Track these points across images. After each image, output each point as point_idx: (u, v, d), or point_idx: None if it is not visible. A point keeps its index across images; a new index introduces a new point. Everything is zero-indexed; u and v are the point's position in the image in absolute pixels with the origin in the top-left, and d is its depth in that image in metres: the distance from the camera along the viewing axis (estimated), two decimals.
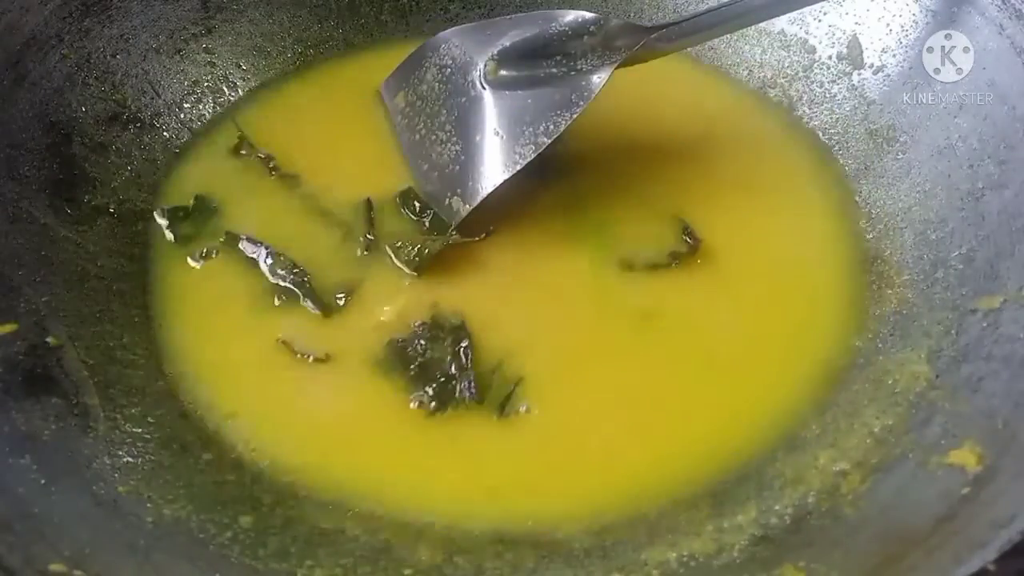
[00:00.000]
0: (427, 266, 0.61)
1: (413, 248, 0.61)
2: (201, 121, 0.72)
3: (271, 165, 0.68)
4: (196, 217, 0.65)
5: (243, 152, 0.69)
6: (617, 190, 0.66)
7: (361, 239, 0.63)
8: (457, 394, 0.55)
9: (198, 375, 0.57)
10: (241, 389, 0.57)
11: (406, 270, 0.61)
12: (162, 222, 0.65)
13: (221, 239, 0.64)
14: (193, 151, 0.70)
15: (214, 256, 0.63)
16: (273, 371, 0.57)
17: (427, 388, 0.56)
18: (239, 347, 0.59)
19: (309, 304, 0.60)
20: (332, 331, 0.59)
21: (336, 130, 0.72)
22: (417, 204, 0.65)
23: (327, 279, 0.61)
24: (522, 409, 0.55)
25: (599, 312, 0.59)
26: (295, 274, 0.61)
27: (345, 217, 0.65)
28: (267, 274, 0.61)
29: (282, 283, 0.61)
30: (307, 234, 0.64)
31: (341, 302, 0.60)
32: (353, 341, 0.58)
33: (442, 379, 0.56)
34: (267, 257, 0.62)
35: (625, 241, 0.63)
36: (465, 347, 0.57)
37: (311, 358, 0.57)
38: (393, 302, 0.60)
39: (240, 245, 0.63)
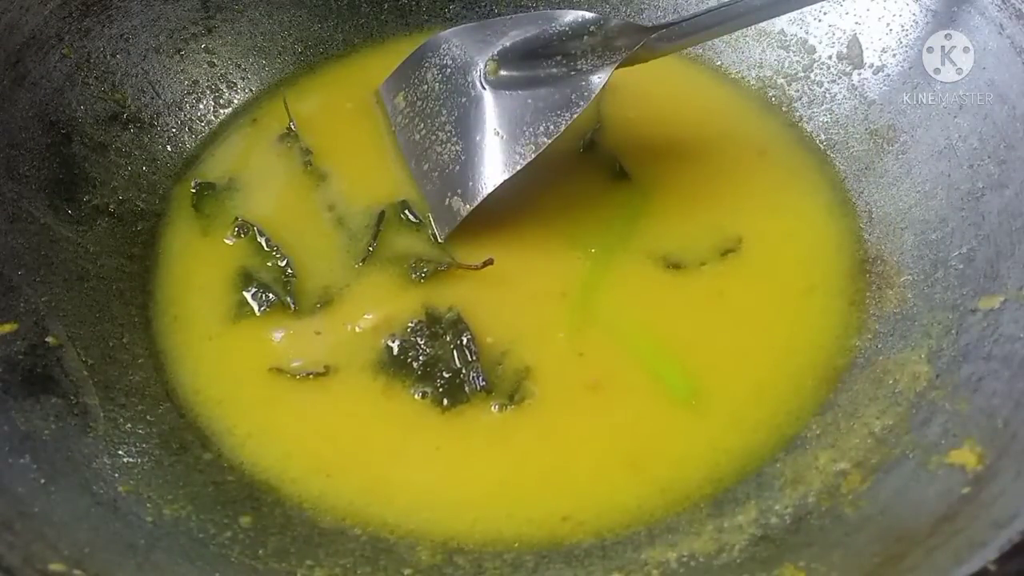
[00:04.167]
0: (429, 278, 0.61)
1: (423, 268, 0.61)
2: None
3: (307, 159, 0.69)
4: (221, 195, 0.67)
5: (287, 140, 0.71)
6: (613, 189, 0.66)
7: (366, 248, 0.63)
8: (467, 387, 0.55)
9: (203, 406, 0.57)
10: (243, 413, 0.57)
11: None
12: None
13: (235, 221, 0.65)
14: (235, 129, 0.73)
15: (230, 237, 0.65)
16: (274, 391, 0.57)
17: (435, 384, 0.56)
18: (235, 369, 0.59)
19: (289, 300, 0.60)
20: (327, 341, 0.59)
21: (335, 130, 0.72)
22: (411, 216, 0.65)
23: (315, 282, 0.62)
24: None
25: (592, 308, 0.59)
26: (285, 275, 0.62)
27: (353, 222, 0.65)
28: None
29: (265, 283, 0.61)
30: (313, 234, 0.65)
31: (320, 306, 0.60)
32: (350, 349, 0.58)
33: (448, 374, 0.56)
34: (265, 246, 0.63)
35: (621, 239, 0.63)
36: (468, 340, 0.57)
37: (310, 375, 0.57)
38: (384, 306, 0.60)
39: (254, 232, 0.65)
